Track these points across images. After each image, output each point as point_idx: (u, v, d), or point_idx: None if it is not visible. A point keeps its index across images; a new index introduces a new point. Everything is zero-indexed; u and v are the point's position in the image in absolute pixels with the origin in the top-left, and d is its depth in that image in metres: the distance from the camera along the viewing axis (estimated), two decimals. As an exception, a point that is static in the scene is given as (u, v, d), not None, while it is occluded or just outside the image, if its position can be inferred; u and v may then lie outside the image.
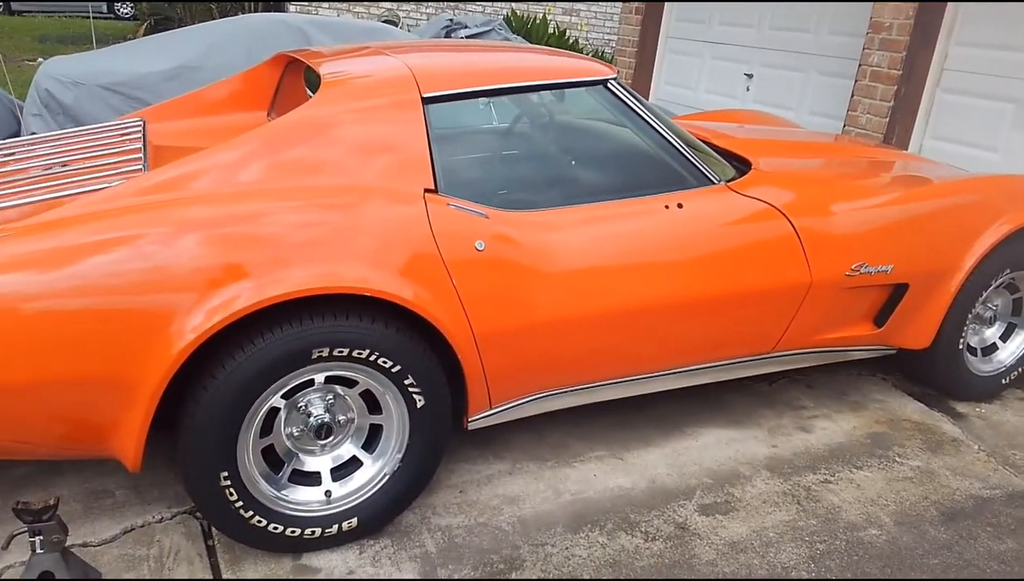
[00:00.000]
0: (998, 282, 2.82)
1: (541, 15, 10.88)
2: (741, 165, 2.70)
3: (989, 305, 2.98)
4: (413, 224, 1.94)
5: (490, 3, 11.67)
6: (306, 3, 11.04)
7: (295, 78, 2.93)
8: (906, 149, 4.82)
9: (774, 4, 5.92)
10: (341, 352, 1.84)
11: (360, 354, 1.86)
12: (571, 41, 10.73)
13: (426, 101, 2.09)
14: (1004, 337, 3.05)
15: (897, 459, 2.59)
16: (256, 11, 10.96)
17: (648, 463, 2.48)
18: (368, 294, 1.81)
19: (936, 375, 2.95)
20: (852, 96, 5.03)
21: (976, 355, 3.01)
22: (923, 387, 3.06)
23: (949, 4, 4.53)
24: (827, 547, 2.14)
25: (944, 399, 3.00)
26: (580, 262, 2.14)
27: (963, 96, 4.57)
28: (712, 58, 6.69)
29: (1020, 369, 3.03)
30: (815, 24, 5.62)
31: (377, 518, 2.02)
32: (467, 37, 4.98)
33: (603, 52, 11.74)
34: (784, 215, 2.46)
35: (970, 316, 2.80)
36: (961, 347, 2.85)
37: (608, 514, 2.22)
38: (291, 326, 1.77)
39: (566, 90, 2.43)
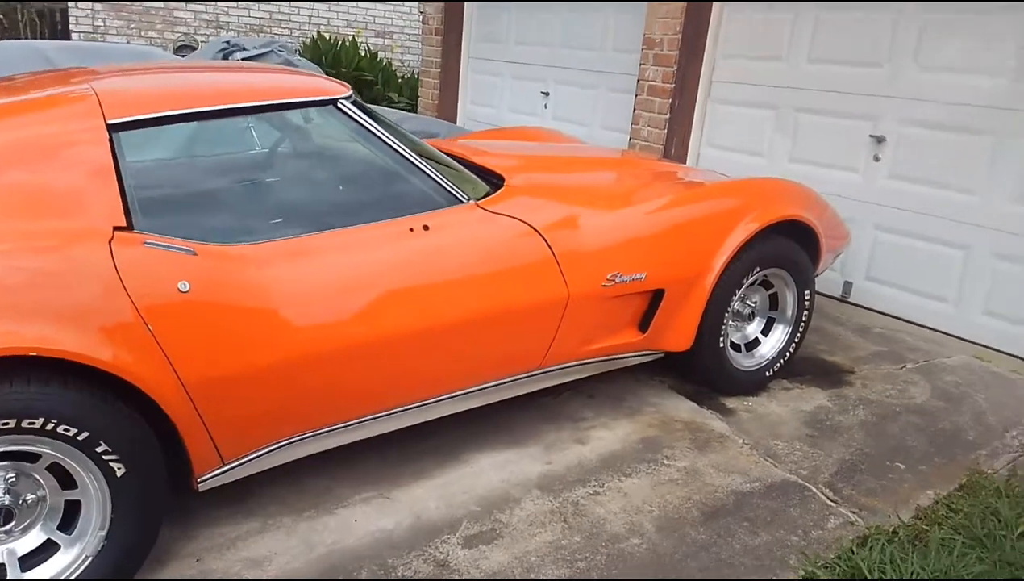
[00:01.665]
0: (751, 280, 2.95)
1: (351, 37, 10.67)
2: (499, 182, 2.66)
3: (748, 302, 3.13)
4: (97, 267, 1.71)
5: (297, 28, 11.33)
6: (91, 32, 10.20)
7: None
8: (685, 158, 5.06)
9: (564, 24, 6.08)
10: (7, 424, 1.57)
11: (32, 424, 1.60)
12: (384, 63, 10.59)
13: (113, 128, 1.86)
14: (765, 331, 3.21)
15: (665, 462, 2.63)
16: (38, 37, 10.00)
17: (417, 498, 2.35)
18: (24, 354, 1.56)
19: (703, 374, 3.05)
20: (634, 110, 5.23)
21: (740, 351, 3.14)
22: (696, 386, 3.16)
23: (712, 19, 4.82)
24: (588, 564, 2.10)
25: (715, 396, 3.11)
26: (312, 295, 1.99)
27: (731, 105, 4.86)
28: (512, 77, 6.78)
29: (782, 361, 3.20)
30: (601, 42, 5.82)
31: (78, 609, 1.75)
32: (243, 60, 4.73)
33: (418, 73, 11.70)
34: (536, 230, 2.44)
35: (727, 315, 2.91)
36: (722, 345, 2.95)
37: (364, 561, 2.07)
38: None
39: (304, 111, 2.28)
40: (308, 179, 2.44)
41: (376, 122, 2.28)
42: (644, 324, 2.80)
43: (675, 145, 5.04)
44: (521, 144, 3.60)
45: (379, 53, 10.90)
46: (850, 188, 4.23)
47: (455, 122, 7.45)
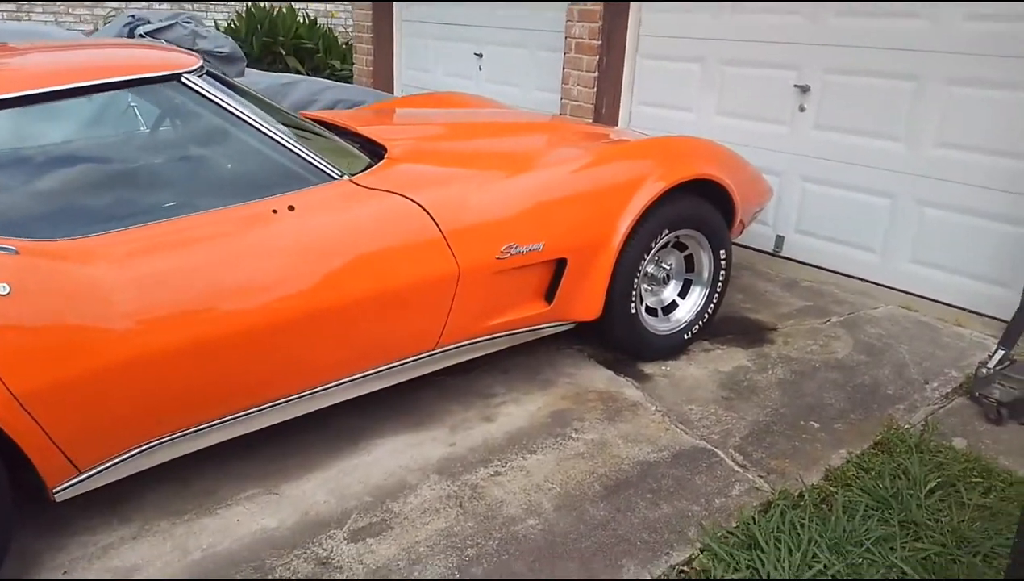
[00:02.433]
0: (661, 243, 2.85)
1: (288, 4, 10.30)
2: (382, 154, 2.52)
3: (662, 265, 3.03)
4: (-100, 274, 1.56)
5: (223, 3, 10.91)
6: (13, 12, 9.73)
7: None
8: (616, 117, 4.93)
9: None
10: None
11: None
12: (324, 30, 10.26)
13: (-81, 119, 1.70)
14: (682, 294, 3.12)
15: (573, 435, 2.55)
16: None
17: (306, 492, 2.25)
18: None
19: (619, 341, 2.97)
20: (564, 69, 5.07)
21: (657, 315, 3.06)
22: (615, 354, 3.07)
23: (635, -29, 4.65)
24: (478, 551, 2.02)
25: (634, 363, 3.03)
26: (155, 288, 1.85)
27: (660, 60, 4.71)
28: (446, 40, 6.57)
29: (701, 322, 3.12)
30: (530, -1, 5.63)
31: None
32: (147, 33, 4.51)
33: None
34: (418, 204, 2.31)
35: (637, 280, 2.81)
36: (634, 311, 2.86)
37: (240, 565, 1.97)
38: None
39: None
40: (154, 163, 2.28)
41: (233, 96, 2.12)
42: (550, 295, 2.69)
43: (606, 104, 4.90)
44: (428, 111, 3.45)
45: (319, 19, 10.55)
46: (778, 140, 4.13)
47: (392, 90, 7.24)
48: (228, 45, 4.74)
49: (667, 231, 2.84)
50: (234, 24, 9.72)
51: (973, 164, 3.39)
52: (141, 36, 4.56)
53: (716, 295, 3.11)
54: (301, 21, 10.00)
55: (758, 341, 3.24)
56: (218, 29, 9.75)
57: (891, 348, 3.17)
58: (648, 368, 3.00)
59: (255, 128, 2.11)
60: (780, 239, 4.24)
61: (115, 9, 10.35)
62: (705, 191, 2.95)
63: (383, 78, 7.16)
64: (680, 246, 3.04)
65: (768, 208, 4.19)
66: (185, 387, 1.93)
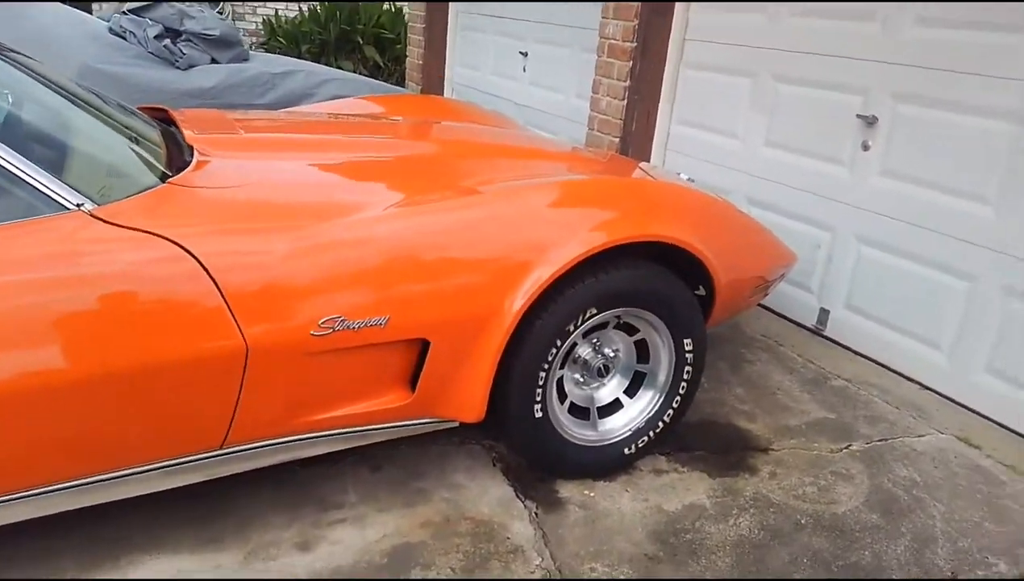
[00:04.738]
0: (582, 326, 2.06)
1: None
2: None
3: (601, 351, 2.23)
4: None
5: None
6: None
7: None
8: (650, 137, 4.08)
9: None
10: None
11: None
12: (408, 20, 9.79)
13: None
14: (631, 391, 2.30)
15: (402, 593, 1.82)
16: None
17: (-2, 631, 1.65)
18: None
19: (521, 449, 2.21)
20: (595, 75, 4.26)
21: (588, 419, 2.26)
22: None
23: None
24: None
25: (552, 478, 2.25)
26: None
27: (706, 72, 3.84)
28: (496, 34, 5.88)
29: (652, 433, 2.29)
30: (574, -11, 4.85)
31: None
32: (131, 11, 4.12)
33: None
34: (188, 252, 1.64)
35: (543, 374, 2.03)
36: (540, 415, 2.08)
37: None
38: None
39: None
40: None
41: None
42: (416, 382, 1.97)
43: (637, 120, 4.07)
44: (374, 120, 2.79)
45: (404, 8, 10.10)
46: (833, 185, 3.19)
47: (441, 89, 6.62)
48: (220, 28, 4.30)
49: (595, 310, 2.04)
50: (317, 9, 9.42)
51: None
52: (123, 13, 4.18)
53: (678, 399, 2.28)
54: (386, 8, 9.59)
55: (734, 467, 2.36)
56: (301, 15, 9.51)
57: (921, 507, 2.21)
58: (566, 489, 2.21)
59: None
60: (824, 313, 3.28)
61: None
62: (676, 260, 2.14)
63: (433, 76, 6.56)
64: (627, 328, 2.23)
65: (814, 273, 3.27)
66: None
